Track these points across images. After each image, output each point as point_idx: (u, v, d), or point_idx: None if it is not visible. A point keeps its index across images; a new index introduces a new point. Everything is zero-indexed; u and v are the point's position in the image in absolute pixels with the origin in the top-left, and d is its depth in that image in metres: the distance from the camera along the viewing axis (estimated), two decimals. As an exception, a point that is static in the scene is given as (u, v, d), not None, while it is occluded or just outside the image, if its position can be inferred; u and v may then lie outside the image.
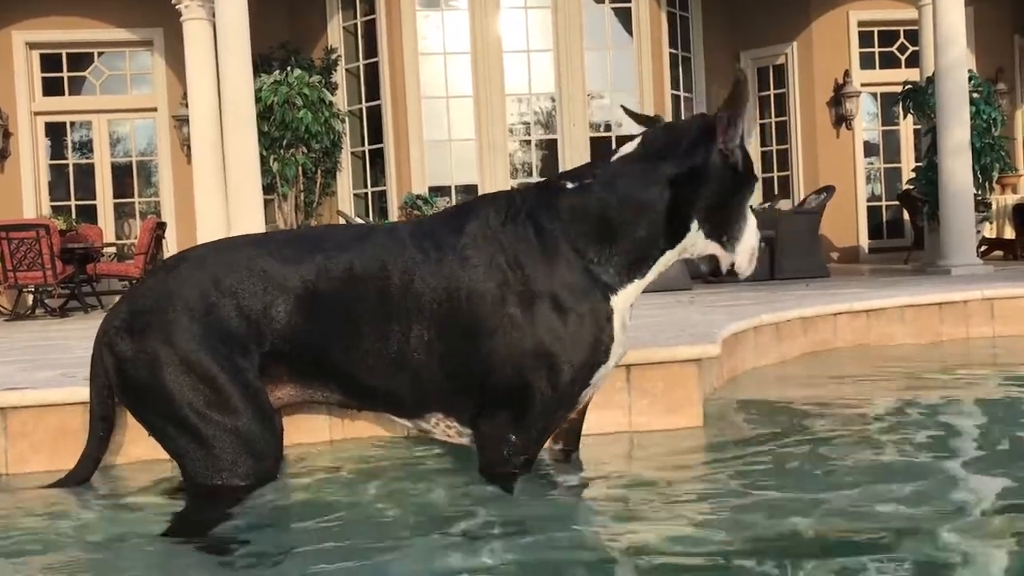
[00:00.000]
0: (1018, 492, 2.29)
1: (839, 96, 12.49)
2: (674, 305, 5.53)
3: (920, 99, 9.86)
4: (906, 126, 12.53)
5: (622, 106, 3.21)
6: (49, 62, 11.91)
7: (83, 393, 2.69)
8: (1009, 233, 11.28)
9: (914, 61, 11.38)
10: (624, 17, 11.24)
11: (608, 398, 3.11)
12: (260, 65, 10.19)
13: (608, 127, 11.27)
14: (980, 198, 9.69)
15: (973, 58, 12.21)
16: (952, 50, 8.82)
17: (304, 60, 11.25)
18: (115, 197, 12.19)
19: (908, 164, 12.42)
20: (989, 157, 9.67)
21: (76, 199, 12.07)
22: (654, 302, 5.87)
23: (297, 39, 11.52)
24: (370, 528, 2.20)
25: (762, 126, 13.02)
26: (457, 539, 2.06)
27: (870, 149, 13.13)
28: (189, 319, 2.46)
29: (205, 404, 2.42)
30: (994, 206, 10.93)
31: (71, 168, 12.15)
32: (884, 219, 13.10)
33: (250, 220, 7.65)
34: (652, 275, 2.53)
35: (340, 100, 11.30)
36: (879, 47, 12.88)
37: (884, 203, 13.04)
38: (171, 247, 10.68)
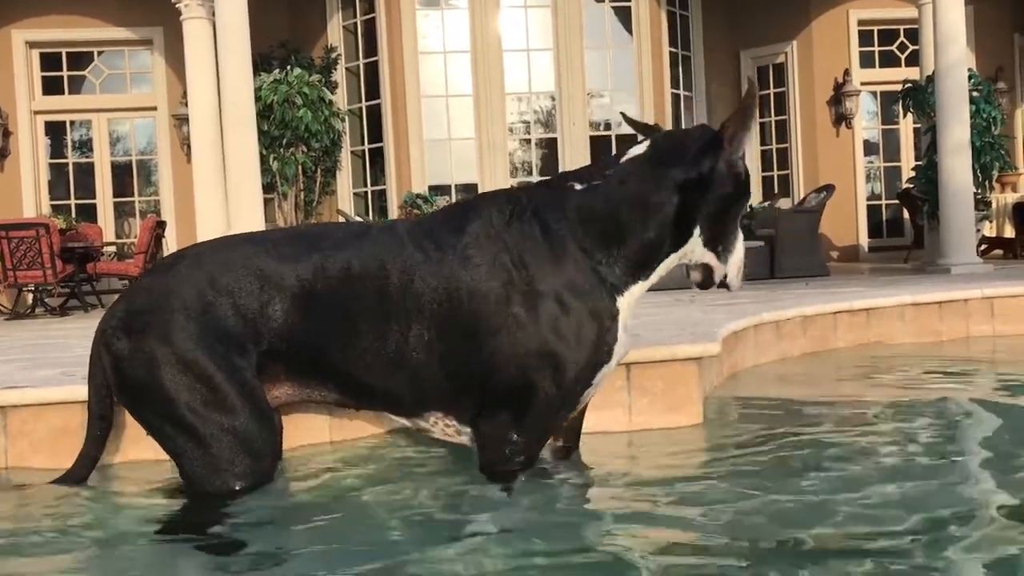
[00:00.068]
0: (1019, 492, 2.29)
1: (839, 95, 12.49)
2: (674, 304, 5.53)
3: (920, 98, 9.86)
4: (906, 125, 12.53)
5: (622, 113, 3.26)
6: (49, 61, 11.90)
7: (83, 392, 2.68)
8: (1009, 232, 11.28)
9: (914, 60, 11.37)
10: (624, 16, 11.24)
11: (608, 397, 3.11)
12: (260, 64, 10.19)
13: (608, 126, 11.27)
14: (980, 197, 9.68)
15: (973, 57, 12.21)
16: (952, 49, 8.82)
17: (304, 59, 11.24)
18: (115, 196, 12.18)
19: (908, 163, 12.42)
20: (989, 156, 9.67)
21: (76, 198, 12.07)
22: (654, 301, 5.87)
23: (297, 38, 11.51)
24: (370, 529, 2.20)
25: (762, 125, 13.01)
26: (457, 540, 2.06)
27: (870, 148, 13.13)
28: (186, 318, 2.46)
29: (202, 403, 2.42)
30: (994, 205, 10.92)
31: (71, 167, 12.14)
32: (884, 218, 13.10)
33: (250, 219, 7.64)
34: (655, 278, 2.56)
35: (340, 99, 11.29)
36: (879, 46, 12.87)
37: (884, 202, 13.04)
38: (171, 246, 10.68)
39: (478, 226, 2.51)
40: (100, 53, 12.02)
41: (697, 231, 2.51)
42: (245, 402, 2.44)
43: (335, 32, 11.44)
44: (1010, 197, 11.27)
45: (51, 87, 11.94)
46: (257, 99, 8.93)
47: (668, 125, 11.41)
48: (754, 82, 2.52)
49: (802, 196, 11.25)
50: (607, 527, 2.17)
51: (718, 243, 2.55)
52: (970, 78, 9.23)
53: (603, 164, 2.61)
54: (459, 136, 10.81)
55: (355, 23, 11.33)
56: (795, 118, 12.69)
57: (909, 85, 10.13)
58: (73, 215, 11.09)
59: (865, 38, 12.75)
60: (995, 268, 8.70)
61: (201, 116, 8.33)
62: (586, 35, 10.98)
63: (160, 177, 12.08)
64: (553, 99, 10.96)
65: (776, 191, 12.61)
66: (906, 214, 11.76)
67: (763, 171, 12.97)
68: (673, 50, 11.82)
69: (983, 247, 10.73)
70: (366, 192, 11.32)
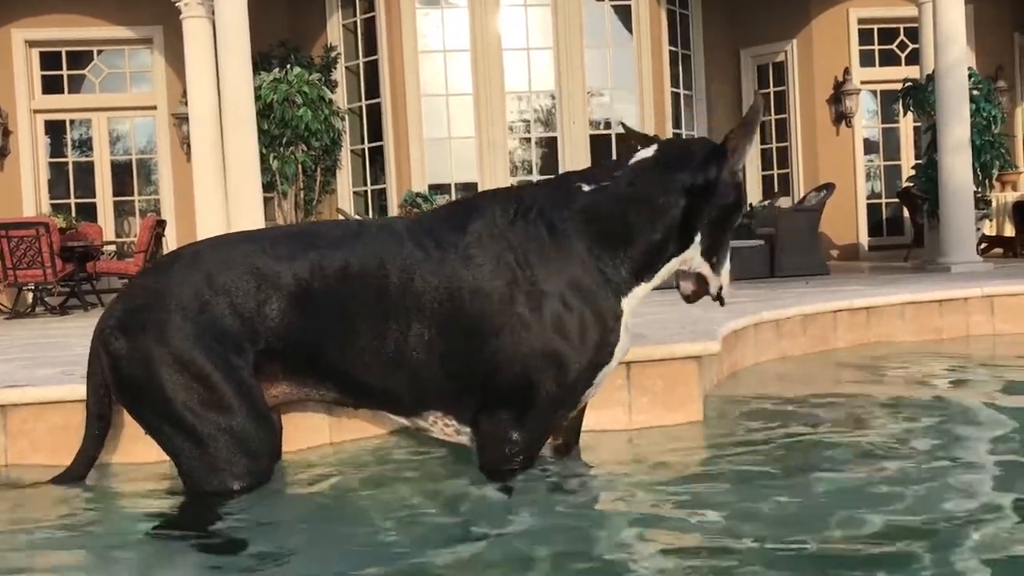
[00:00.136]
0: (1019, 492, 2.29)
1: (839, 93, 12.48)
2: (674, 302, 5.51)
3: (920, 96, 9.85)
4: (906, 124, 12.52)
5: (621, 123, 3.30)
6: (48, 60, 11.89)
7: (83, 390, 2.68)
8: (1009, 230, 11.27)
9: (914, 59, 11.36)
10: (624, 15, 11.23)
11: (608, 396, 3.11)
12: (260, 63, 10.18)
13: (608, 125, 11.26)
14: (980, 195, 9.68)
15: (973, 56, 12.20)
16: (952, 48, 8.82)
17: (304, 58, 11.23)
18: (115, 195, 12.18)
19: (908, 162, 12.41)
20: (989, 154, 9.66)
21: (76, 197, 12.06)
22: (654, 299, 5.85)
23: (297, 37, 11.50)
24: (370, 530, 2.19)
25: (762, 123, 12.97)
26: (457, 541, 2.06)
27: (870, 147, 13.12)
28: (183, 318, 2.46)
29: (199, 403, 2.42)
30: (994, 203, 10.91)
31: (71, 166, 12.14)
32: (884, 217, 13.09)
33: (250, 218, 7.64)
34: (657, 280, 2.59)
35: (340, 98, 11.29)
36: (879, 45, 12.87)
37: (884, 200, 13.03)
38: (171, 245, 10.67)
39: (480, 225, 2.51)
40: (100, 52, 12.01)
41: (698, 238, 2.55)
42: (242, 401, 2.44)
43: (335, 31, 11.43)
44: (1010, 196, 11.26)
45: (51, 86, 11.93)
46: (257, 98, 8.92)
47: (668, 123, 11.42)
48: (759, 95, 2.57)
49: (802, 195, 11.24)
50: (607, 528, 2.17)
51: (714, 253, 2.61)
52: (970, 77, 9.23)
53: (611, 166, 2.63)
54: (459, 135, 10.80)
55: (355, 22, 11.32)
56: (795, 117, 12.68)
57: (909, 84, 10.12)
58: (73, 214, 11.08)
59: (865, 37, 12.74)
60: (995, 267, 8.70)
61: (201, 115, 8.33)
62: (586, 34, 10.97)
63: (160, 176, 12.08)
64: (553, 98, 10.96)
65: (776, 190, 12.61)
66: (906, 213, 11.76)
67: (763, 170, 12.97)
68: (673, 48, 11.81)
69: (983, 246, 10.73)
70: (366, 191, 11.32)
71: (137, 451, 2.81)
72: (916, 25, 10.47)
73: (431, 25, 10.88)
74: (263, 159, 8.76)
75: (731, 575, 1.79)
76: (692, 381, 3.28)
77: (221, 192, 8.12)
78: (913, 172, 10.39)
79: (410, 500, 2.39)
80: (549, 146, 11.02)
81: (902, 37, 12.76)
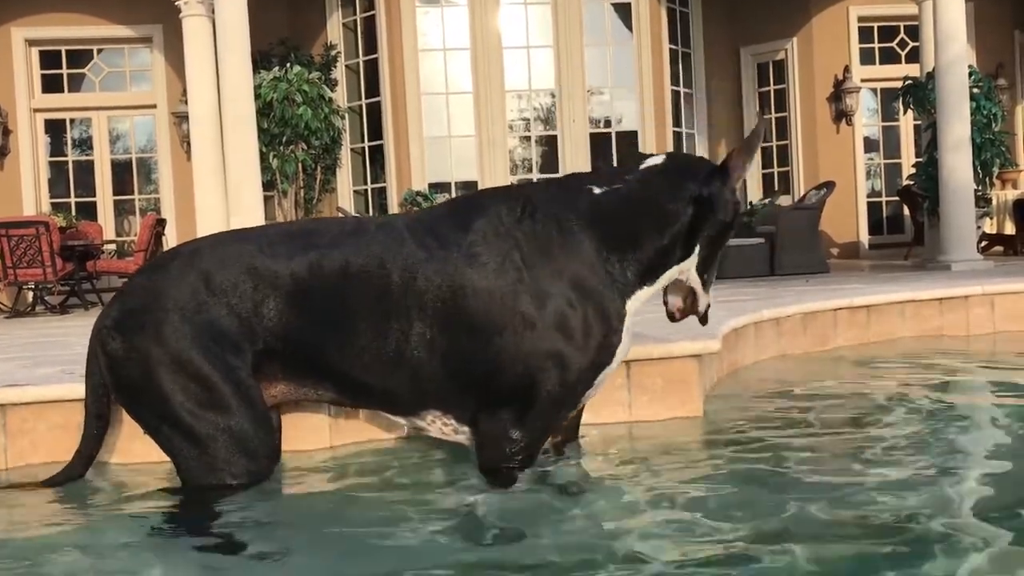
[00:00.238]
0: (1019, 491, 2.29)
1: (839, 92, 12.46)
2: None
3: (920, 95, 9.84)
4: (906, 122, 12.50)
5: (630, 150, 3.38)
6: (48, 59, 11.88)
7: (83, 390, 2.68)
8: (1009, 229, 11.26)
9: (914, 57, 11.35)
10: (624, 13, 11.22)
11: (608, 395, 3.11)
12: (260, 61, 10.17)
13: (608, 123, 11.26)
14: (980, 194, 9.67)
15: (973, 54, 12.18)
16: (952, 46, 8.80)
17: (304, 56, 11.23)
18: (115, 194, 12.17)
19: (908, 160, 12.40)
20: (989, 153, 9.65)
21: (76, 196, 12.06)
22: (654, 298, 5.86)
23: (297, 35, 11.50)
24: (369, 531, 2.19)
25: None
26: (457, 543, 2.06)
27: (870, 145, 13.11)
28: (180, 318, 2.45)
29: (197, 403, 2.41)
30: (994, 202, 10.90)
31: (71, 165, 12.13)
32: (884, 215, 13.08)
33: (250, 217, 7.63)
34: (658, 286, 2.61)
35: (340, 96, 11.28)
36: (879, 43, 12.85)
37: (884, 199, 13.02)
38: (171, 244, 10.66)
39: (485, 223, 2.50)
40: (100, 51, 12.00)
41: (698, 249, 2.57)
42: (240, 402, 2.43)
43: (335, 29, 11.43)
44: (1010, 194, 11.25)
45: (51, 85, 11.92)
46: (257, 97, 8.92)
47: (668, 121, 11.42)
48: (762, 119, 2.62)
49: (802, 193, 11.23)
50: (607, 528, 2.17)
51: (705, 270, 2.65)
52: (970, 75, 9.22)
53: (622, 169, 2.65)
54: (459, 133, 10.80)
55: (355, 20, 11.32)
56: (795, 115, 12.67)
57: (909, 82, 10.11)
58: (73, 213, 11.07)
59: (865, 35, 12.73)
60: (995, 265, 8.70)
61: (201, 114, 8.32)
62: (586, 32, 10.97)
63: (160, 175, 12.07)
64: (553, 96, 10.95)
65: (776, 188, 12.60)
66: (906, 211, 11.75)
67: (763, 168, 12.95)
68: (673, 47, 11.81)
69: (983, 244, 10.72)
70: (366, 190, 11.31)
71: (136, 450, 2.81)
72: (916, 23, 10.46)
73: (431, 23, 10.87)
74: (263, 158, 8.76)
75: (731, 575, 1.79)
76: (692, 380, 3.28)
77: (221, 191, 8.12)
78: (913, 170, 10.38)
79: (410, 503, 2.38)
80: (549, 144, 11.02)
81: (902, 35, 12.75)
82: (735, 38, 12.84)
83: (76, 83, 12.06)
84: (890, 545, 1.89)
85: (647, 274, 2.54)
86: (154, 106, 11.94)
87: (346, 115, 11.17)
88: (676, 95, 11.86)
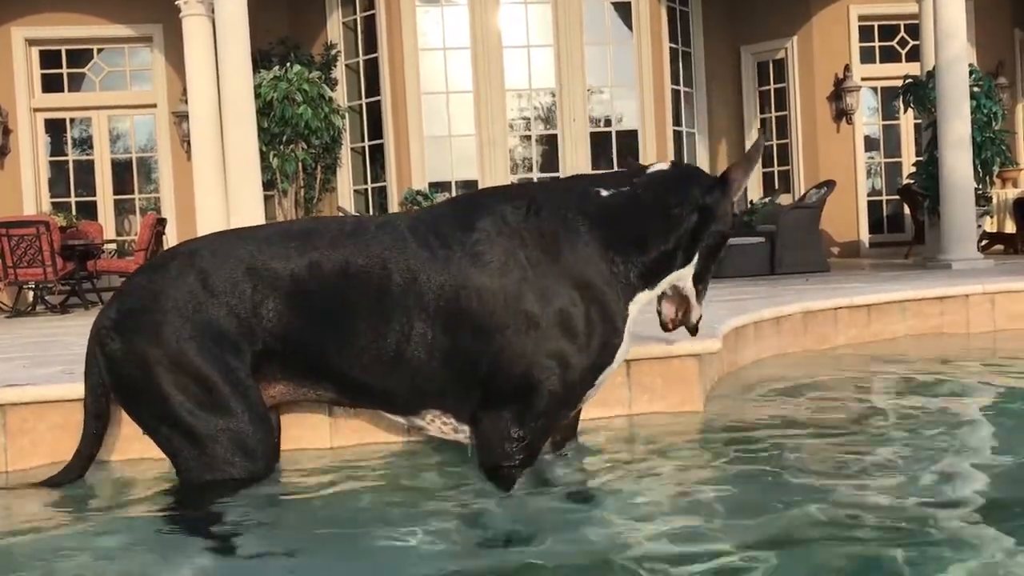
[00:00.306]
0: (1019, 490, 2.29)
1: (839, 90, 12.46)
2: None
3: (920, 93, 9.84)
4: (906, 120, 12.50)
5: (625, 158, 3.44)
6: (48, 58, 11.88)
7: (82, 390, 2.68)
8: (1010, 227, 11.26)
9: (914, 55, 11.34)
10: (624, 12, 11.22)
11: (608, 394, 3.11)
12: (260, 61, 10.17)
13: (608, 122, 11.25)
14: (981, 192, 9.66)
15: (973, 52, 12.17)
16: (952, 44, 8.80)
17: (304, 56, 11.23)
18: (115, 193, 12.17)
19: (909, 158, 12.40)
20: (990, 151, 9.65)
21: (76, 196, 12.06)
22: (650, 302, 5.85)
23: (297, 35, 11.50)
24: (369, 532, 2.19)
25: (763, 121, 12.99)
26: (458, 544, 2.06)
27: (870, 143, 13.10)
28: (178, 318, 2.45)
29: (196, 404, 2.41)
30: (995, 200, 10.90)
31: (71, 165, 12.13)
32: (884, 214, 13.08)
33: (250, 216, 7.63)
34: (658, 290, 2.62)
35: (340, 96, 11.28)
36: (879, 41, 12.85)
37: (884, 197, 13.02)
38: (171, 243, 10.66)
39: (489, 222, 2.49)
40: (100, 50, 12.00)
41: (697, 256, 2.59)
42: (239, 402, 2.43)
43: (335, 29, 11.42)
44: (1011, 192, 11.24)
45: (51, 85, 11.92)
46: (257, 96, 8.92)
47: (669, 120, 11.42)
48: (762, 135, 2.65)
49: (802, 192, 11.23)
50: (606, 529, 2.17)
51: (700, 280, 2.67)
52: (971, 73, 9.21)
53: (629, 172, 2.66)
54: (459, 133, 10.80)
55: (355, 19, 11.32)
56: (795, 114, 12.67)
57: (910, 80, 10.11)
58: (73, 212, 11.07)
59: (865, 33, 12.72)
60: (996, 263, 8.69)
61: (201, 113, 8.32)
62: (586, 31, 10.96)
63: (160, 174, 12.07)
64: (553, 95, 10.95)
65: (776, 187, 12.59)
66: (907, 210, 11.75)
67: (763, 167, 12.95)
68: (673, 46, 11.80)
69: (984, 243, 10.72)
70: (366, 189, 11.31)
71: (135, 450, 2.81)
72: (916, 21, 10.45)
73: (431, 22, 10.87)
74: (263, 157, 8.76)
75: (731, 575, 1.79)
76: (693, 379, 3.28)
77: (221, 190, 8.12)
78: (914, 169, 10.38)
79: (411, 505, 2.38)
80: (549, 143, 11.02)
81: (902, 34, 12.74)
82: (735, 37, 12.83)
83: (76, 82, 12.06)
84: (890, 545, 1.89)
85: (649, 277, 2.55)
86: (154, 105, 11.94)
87: (346, 114, 11.17)
88: (676, 94, 11.86)
